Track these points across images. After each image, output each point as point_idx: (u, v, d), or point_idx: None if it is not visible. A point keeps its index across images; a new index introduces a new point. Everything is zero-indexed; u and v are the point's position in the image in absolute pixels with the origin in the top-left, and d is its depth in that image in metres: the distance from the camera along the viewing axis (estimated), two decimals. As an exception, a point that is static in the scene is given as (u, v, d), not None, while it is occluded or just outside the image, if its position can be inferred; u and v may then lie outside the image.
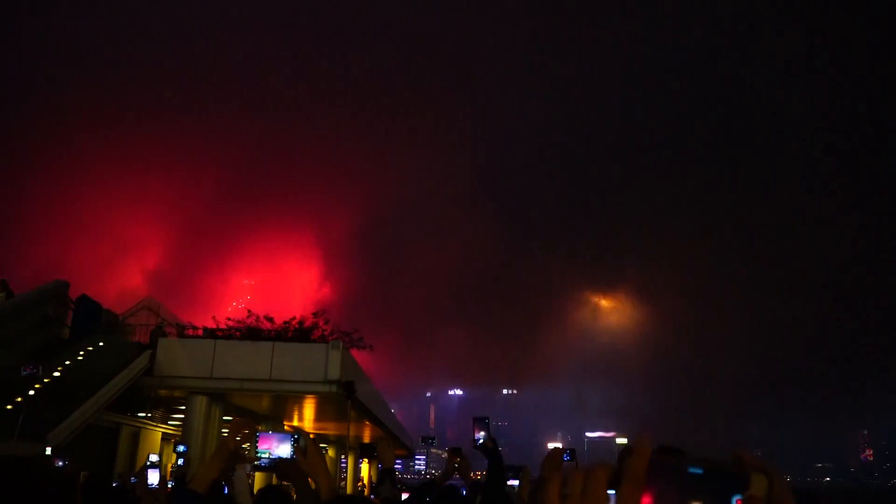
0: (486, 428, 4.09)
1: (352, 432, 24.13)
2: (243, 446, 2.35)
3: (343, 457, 39.17)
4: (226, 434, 2.32)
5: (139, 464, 20.10)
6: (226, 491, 5.04)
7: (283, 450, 2.41)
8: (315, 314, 21.67)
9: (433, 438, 21.83)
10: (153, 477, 6.37)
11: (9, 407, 14.97)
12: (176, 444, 17.53)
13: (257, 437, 2.43)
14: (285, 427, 26.12)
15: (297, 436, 2.44)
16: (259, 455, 2.43)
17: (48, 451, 13.31)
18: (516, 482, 4.74)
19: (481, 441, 4.04)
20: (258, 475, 17.48)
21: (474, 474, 5.23)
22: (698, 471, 0.72)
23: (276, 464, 2.44)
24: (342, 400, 19.94)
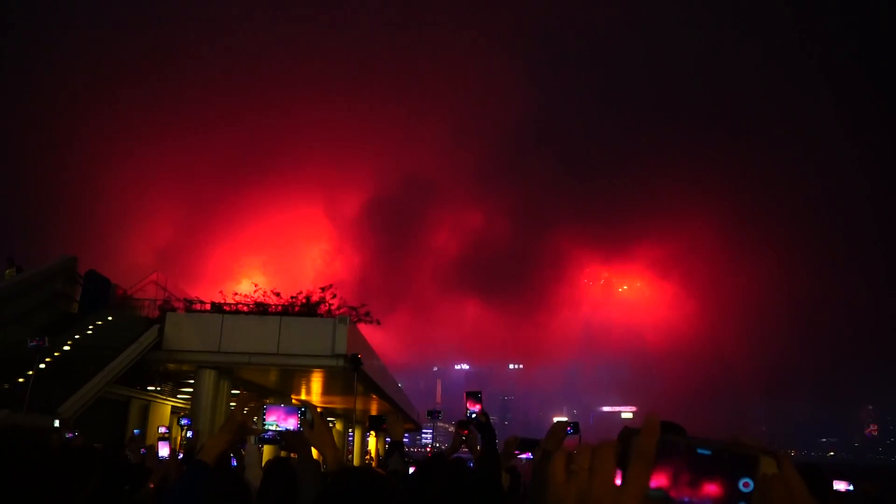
0: (479, 402, 4.08)
1: (359, 406, 24.34)
2: (251, 419, 2.34)
3: (350, 430, 39.61)
4: (234, 407, 2.31)
5: (149, 437, 20.37)
6: (233, 463, 5.07)
7: (290, 422, 2.42)
8: (322, 289, 21.72)
9: (439, 412, 21.97)
10: (163, 450, 6.42)
11: (20, 380, 15.13)
12: (180, 418, 17.80)
13: (265, 409, 2.43)
14: (293, 401, 26.36)
15: (304, 409, 2.44)
16: (266, 427, 2.43)
17: (56, 423, 13.44)
18: (530, 455, 4.73)
19: (474, 415, 4.03)
20: (266, 448, 17.69)
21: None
22: (707, 452, 0.71)
23: (281, 435, 2.44)
24: (349, 374, 20.08)
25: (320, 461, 2.58)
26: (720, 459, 0.71)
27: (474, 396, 3.97)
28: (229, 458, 4.72)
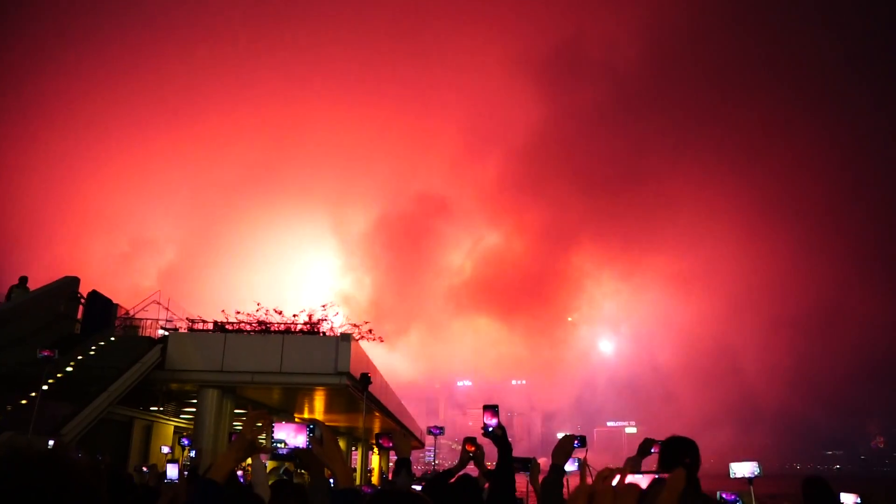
0: (496, 415, 4.09)
1: (363, 424, 24.22)
2: (259, 437, 2.36)
3: (353, 448, 39.36)
4: (243, 425, 2.33)
5: (152, 457, 20.25)
6: (241, 480, 5.07)
7: (300, 439, 2.43)
8: (324, 306, 21.71)
9: (441, 428, 21.83)
10: (172, 471, 6.38)
11: (23, 402, 15.10)
12: (181, 438, 17.70)
13: (272, 427, 2.44)
14: (296, 419, 26.25)
15: (313, 425, 2.45)
16: (275, 445, 2.44)
17: (50, 443, 13.33)
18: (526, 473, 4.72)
19: (491, 428, 4.05)
20: (269, 463, 17.59)
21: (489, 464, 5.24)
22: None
23: (295, 453, 2.45)
24: (352, 392, 20.01)
25: (328, 478, 2.59)
26: None
27: (492, 409, 3.99)
28: (237, 476, 4.71)
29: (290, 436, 2.47)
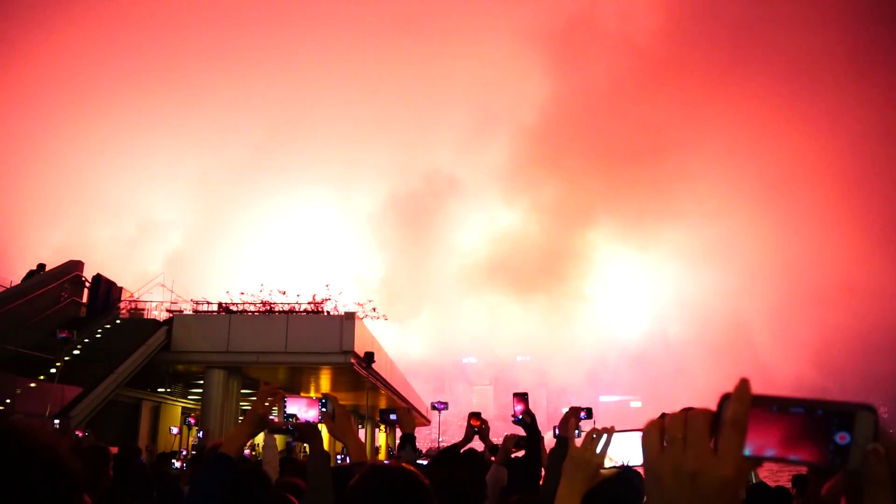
0: (525, 402, 4.14)
1: (367, 402, 24.41)
2: (272, 412, 2.35)
3: (360, 426, 39.71)
4: (255, 399, 2.33)
5: (161, 437, 20.46)
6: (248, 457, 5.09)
7: (311, 414, 2.43)
8: (327, 286, 21.78)
9: (446, 403, 21.96)
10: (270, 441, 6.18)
11: (32, 385, 15.22)
12: (186, 419, 17.88)
13: (285, 402, 2.44)
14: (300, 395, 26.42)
15: (325, 400, 2.45)
16: (287, 420, 2.45)
17: (56, 423, 13.44)
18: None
19: (520, 417, 4.10)
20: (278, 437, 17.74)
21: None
22: (800, 410, 0.70)
23: (292, 426, 2.46)
24: (357, 370, 20.12)
25: (333, 452, 2.59)
26: (814, 417, 0.69)
27: (520, 397, 4.04)
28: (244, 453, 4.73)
29: (301, 410, 2.48)
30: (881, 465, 0.69)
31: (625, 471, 1.73)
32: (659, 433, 0.75)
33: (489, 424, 4.84)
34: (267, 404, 2.32)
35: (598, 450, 1.69)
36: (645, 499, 0.80)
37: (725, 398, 0.71)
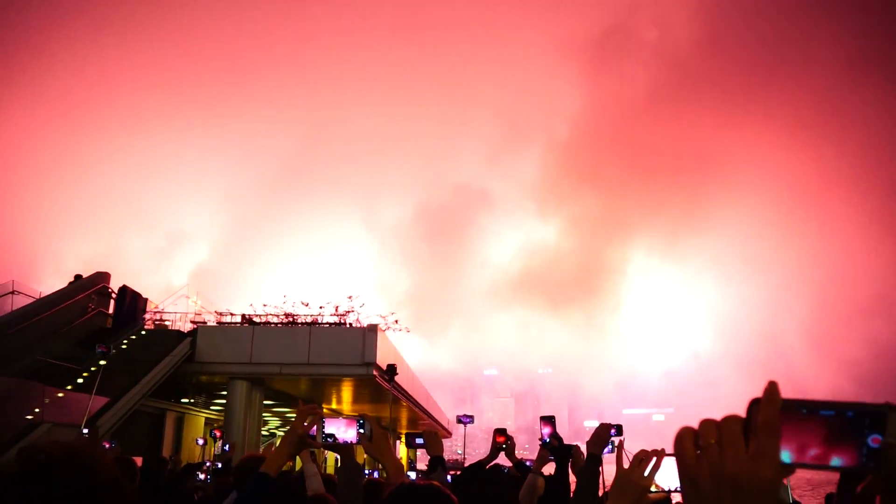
0: (552, 425, 4.15)
1: (390, 414, 24.39)
2: (310, 432, 2.37)
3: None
4: (294, 420, 2.35)
5: (185, 448, 20.62)
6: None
7: (350, 434, 2.46)
8: (350, 297, 21.83)
9: (472, 417, 21.81)
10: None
11: (60, 395, 15.44)
12: (210, 431, 18.00)
13: (323, 422, 2.47)
14: (324, 409, 26.49)
15: (363, 421, 2.47)
16: (325, 440, 2.47)
17: (84, 431, 13.56)
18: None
19: (547, 440, 4.10)
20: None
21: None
22: (830, 413, 0.69)
23: (331, 447, 2.49)
24: (379, 382, 20.12)
25: (364, 467, 2.61)
26: (845, 419, 0.69)
27: (547, 420, 4.06)
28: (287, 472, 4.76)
29: (340, 430, 2.50)
30: None
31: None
32: (692, 439, 0.75)
33: (514, 441, 4.80)
34: (306, 424, 2.33)
35: (647, 473, 1.68)
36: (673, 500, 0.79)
37: (755, 403, 0.71)
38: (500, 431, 4.66)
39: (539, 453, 4.36)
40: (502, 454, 4.68)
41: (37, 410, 14.29)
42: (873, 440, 0.68)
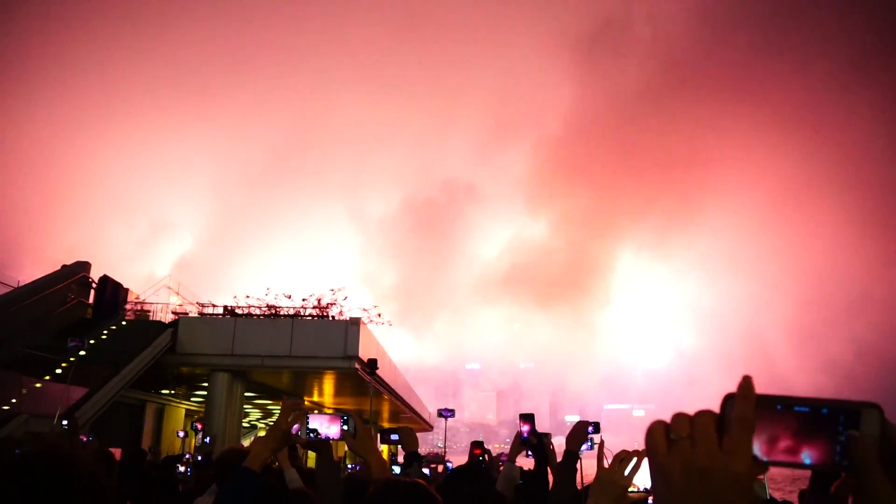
0: (531, 423, 4.18)
1: (371, 407, 24.37)
2: (293, 428, 2.38)
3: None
4: (278, 415, 2.36)
5: (165, 439, 20.50)
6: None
7: (333, 430, 2.47)
8: (332, 290, 21.75)
9: (452, 410, 21.84)
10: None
11: (37, 385, 15.27)
12: (192, 423, 17.87)
13: (307, 418, 2.48)
14: (305, 402, 26.42)
15: (347, 417, 2.48)
16: (308, 435, 2.48)
17: (64, 423, 13.44)
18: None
19: (526, 437, 4.12)
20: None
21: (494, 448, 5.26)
22: (805, 409, 0.70)
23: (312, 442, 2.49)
24: (361, 375, 20.11)
25: (343, 465, 2.62)
26: (819, 416, 0.69)
27: (526, 418, 4.09)
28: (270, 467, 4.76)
29: (323, 426, 2.51)
30: (868, 451, 0.69)
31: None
32: (664, 432, 0.74)
33: (492, 453, 4.87)
34: (290, 420, 2.33)
35: (626, 472, 1.70)
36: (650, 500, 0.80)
37: (729, 398, 0.71)
38: (476, 444, 4.70)
39: (513, 441, 4.42)
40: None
41: (13, 401, 14.14)
42: (847, 434, 0.68)
